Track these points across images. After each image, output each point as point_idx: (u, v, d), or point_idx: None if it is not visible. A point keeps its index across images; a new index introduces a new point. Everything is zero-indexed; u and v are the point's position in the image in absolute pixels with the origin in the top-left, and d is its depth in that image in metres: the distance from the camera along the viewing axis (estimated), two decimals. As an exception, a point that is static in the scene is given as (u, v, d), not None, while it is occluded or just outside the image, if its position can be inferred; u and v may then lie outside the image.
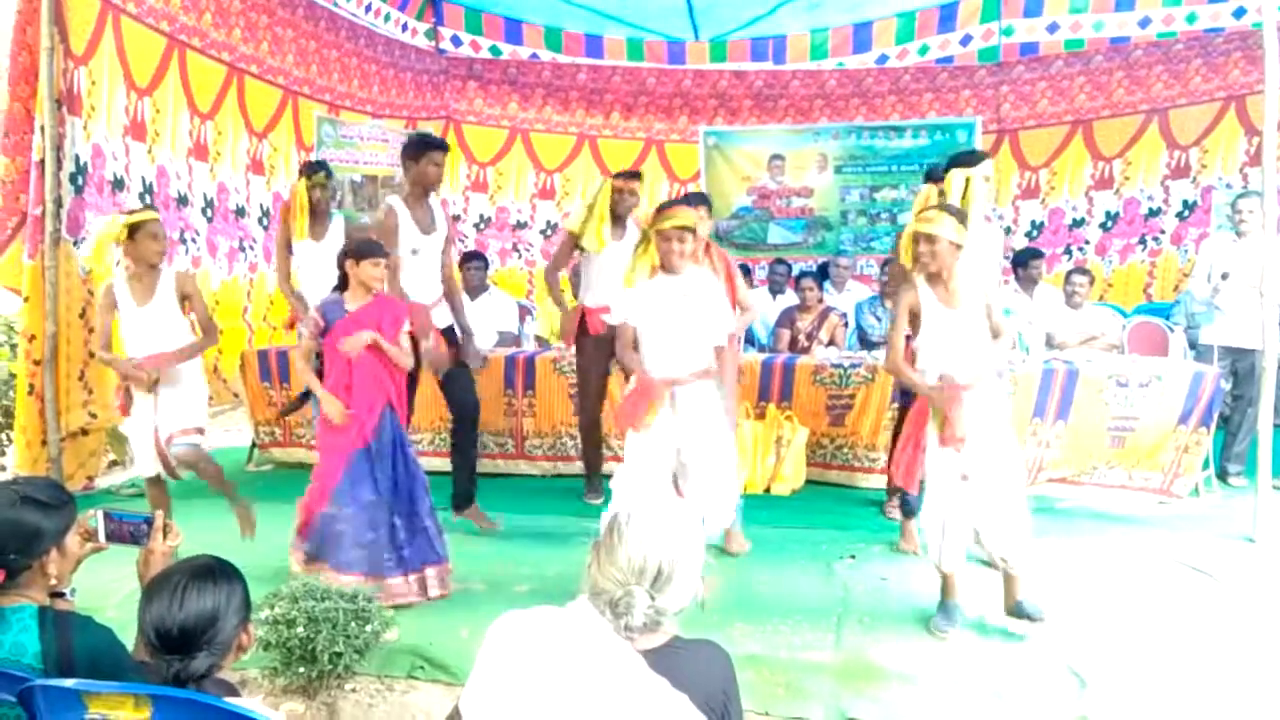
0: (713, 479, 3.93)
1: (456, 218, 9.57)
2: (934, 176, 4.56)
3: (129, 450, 4.57)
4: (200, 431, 4.44)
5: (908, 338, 3.80)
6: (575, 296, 5.62)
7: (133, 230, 4.19)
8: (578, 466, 6.03)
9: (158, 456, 4.34)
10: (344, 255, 4.06)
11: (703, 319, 3.90)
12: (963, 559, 3.77)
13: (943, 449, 3.63)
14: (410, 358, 4.15)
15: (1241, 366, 5.78)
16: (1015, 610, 3.77)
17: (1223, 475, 5.82)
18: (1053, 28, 8.64)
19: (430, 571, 4.10)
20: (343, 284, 4.07)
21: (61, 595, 2.26)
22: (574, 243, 5.32)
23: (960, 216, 3.60)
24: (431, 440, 6.17)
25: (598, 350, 5.27)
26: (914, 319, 3.72)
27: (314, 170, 5.48)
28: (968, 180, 4.00)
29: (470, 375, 5.07)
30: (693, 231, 3.86)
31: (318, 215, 5.43)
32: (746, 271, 8.51)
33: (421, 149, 4.75)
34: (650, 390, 3.85)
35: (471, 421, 5.09)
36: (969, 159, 4.20)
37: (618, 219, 5.24)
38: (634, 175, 5.39)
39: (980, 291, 3.65)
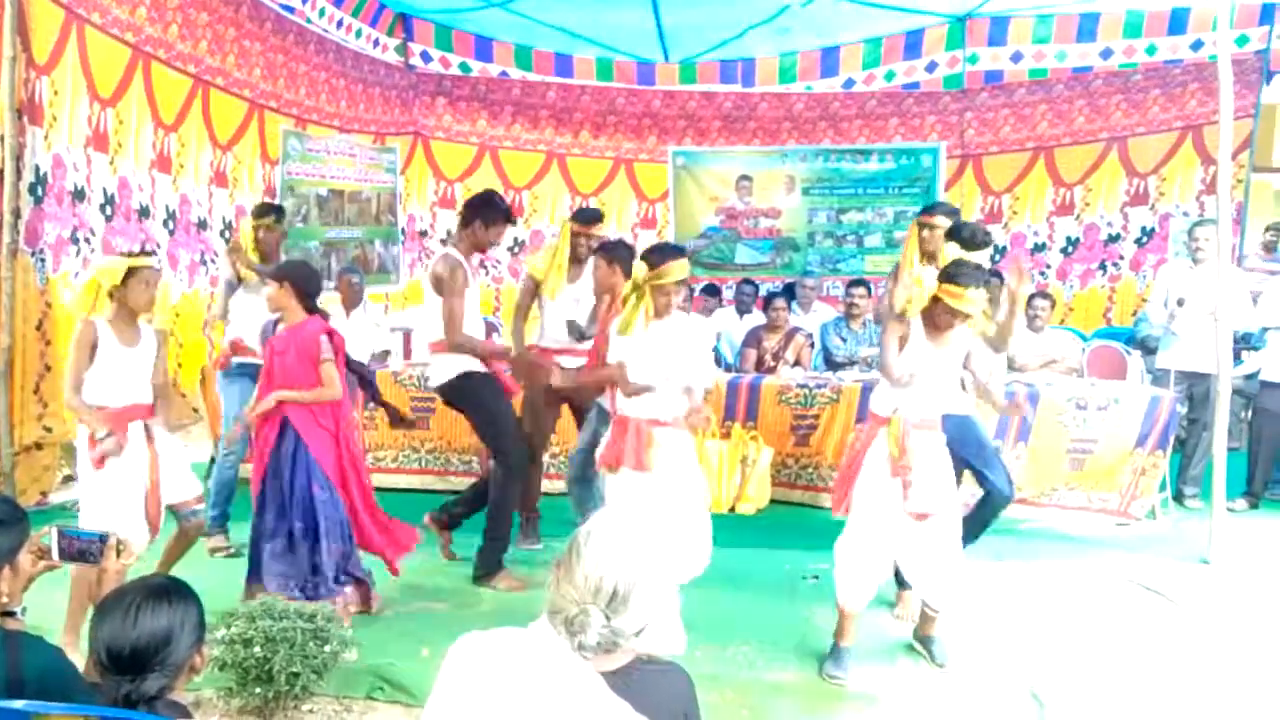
0: (685, 529, 3.83)
1: (424, 233, 9.55)
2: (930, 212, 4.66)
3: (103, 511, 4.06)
4: (200, 501, 4.16)
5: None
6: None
7: (127, 275, 3.82)
8: (545, 485, 6.00)
9: (150, 521, 3.87)
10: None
11: (676, 365, 3.79)
12: (866, 602, 3.73)
13: (890, 480, 3.62)
14: (335, 388, 4.05)
15: (1197, 391, 5.88)
16: (924, 642, 3.78)
17: (1179, 497, 5.91)
18: (1016, 57, 8.80)
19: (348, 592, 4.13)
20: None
21: (12, 614, 2.21)
22: (535, 286, 5.17)
23: (987, 285, 3.56)
24: (395, 458, 6.13)
25: (549, 392, 5.02)
26: (902, 345, 3.71)
27: (261, 212, 5.35)
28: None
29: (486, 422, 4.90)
30: (686, 282, 3.87)
31: (265, 258, 5.29)
32: (715, 291, 8.58)
33: (505, 218, 4.77)
34: (641, 431, 3.76)
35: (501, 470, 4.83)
36: (975, 243, 4.19)
37: (576, 260, 5.08)
38: (594, 219, 5.23)
39: (967, 343, 3.69)
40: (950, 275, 3.55)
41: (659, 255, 3.80)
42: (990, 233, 4.64)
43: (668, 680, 1.79)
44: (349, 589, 4.13)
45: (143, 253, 4.29)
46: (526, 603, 4.20)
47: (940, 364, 3.65)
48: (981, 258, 4.07)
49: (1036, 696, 3.41)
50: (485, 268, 9.81)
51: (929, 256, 4.45)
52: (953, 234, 4.28)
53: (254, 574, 4.09)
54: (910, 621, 3.99)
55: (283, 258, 5.36)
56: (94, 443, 3.73)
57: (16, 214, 5.04)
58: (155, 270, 4.02)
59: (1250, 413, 6.57)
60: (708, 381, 3.91)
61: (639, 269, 3.76)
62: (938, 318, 3.60)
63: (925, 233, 4.49)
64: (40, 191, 5.20)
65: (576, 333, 5.03)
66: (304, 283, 4.12)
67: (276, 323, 4.19)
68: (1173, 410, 5.47)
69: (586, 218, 5.25)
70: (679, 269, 3.76)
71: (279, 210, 5.50)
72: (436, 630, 3.82)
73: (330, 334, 4.11)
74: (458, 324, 4.58)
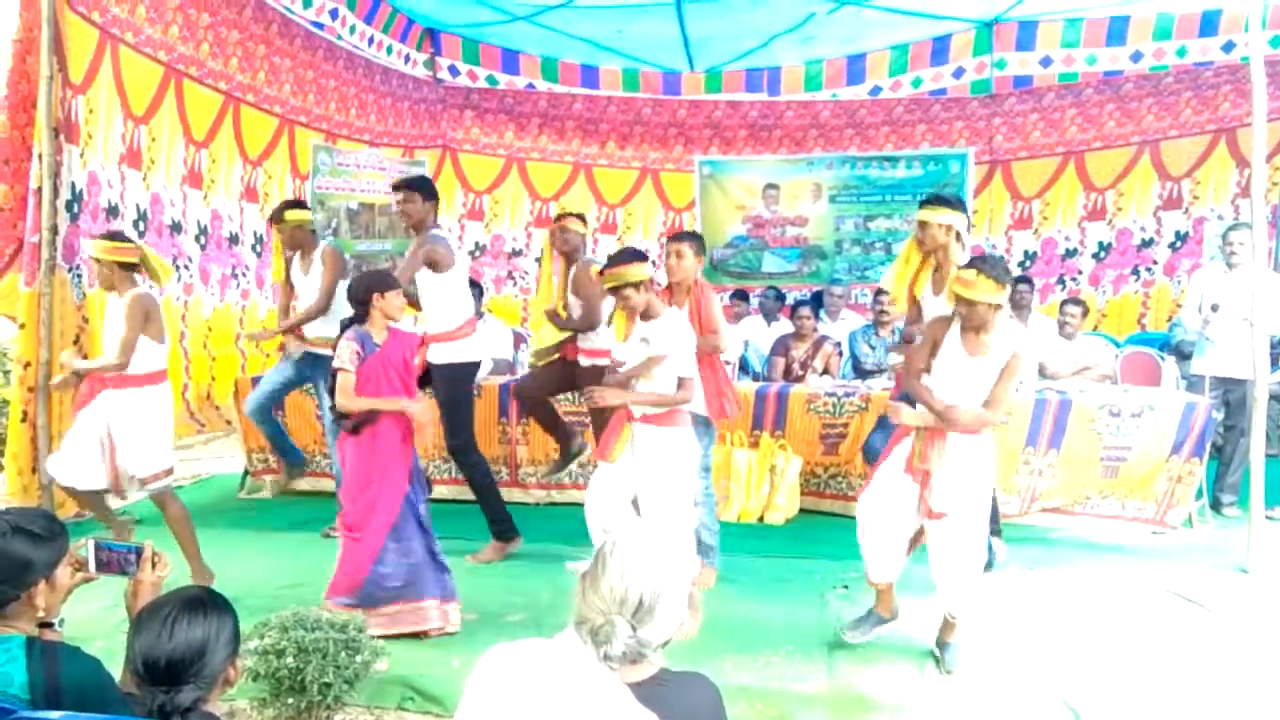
0: (661, 523, 3.92)
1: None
2: None
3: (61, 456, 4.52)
4: (169, 473, 4.41)
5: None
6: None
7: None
8: (572, 494, 6.02)
9: (111, 481, 4.33)
10: (368, 288, 4.04)
11: (660, 363, 3.97)
12: (894, 572, 3.80)
13: (903, 474, 3.66)
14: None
15: (1233, 397, 5.79)
16: (939, 646, 3.76)
17: (1216, 506, 5.82)
18: (1045, 61, 8.72)
19: (451, 605, 4.10)
20: (360, 317, 4.07)
21: (50, 625, 2.24)
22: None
23: (999, 273, 3.49)
24: (425, 468, 6.14)
25: (562, 367, 5.37)
26: (934, 348, 3.73)
27: (286, 208, 5.56)
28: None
29: (445, 416, 5.10)
30: (635, 285, 3.94)
31: (304, 250, 5.49)
32: (744, 296, 8.58)
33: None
34: (618, 423, 3.98)
35: (452, 454, 5.17)
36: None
37: (567, 259, 5.29)
38: (568, 214, 5.39)
39: (1006, 357, 3.57)
40: (966, 264, 3.60)
41: (611, 261, 4.04)
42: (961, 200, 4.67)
43: (695, 691, 1.79)
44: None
45: (106, 235, 4.47)
46: (557, 612, 4.21)
47: (970, 372, 3.61)
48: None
49: (1071, 707, 3.36)
50: (514, 278, 9.87)
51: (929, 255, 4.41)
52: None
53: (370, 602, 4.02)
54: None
55: (317, 250, 5.50)
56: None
57: (54, 230, 5.14)
58: (97, 256, 4.28)
59: (1288, 418, 6.48)
60: (684, 371, 4.01)
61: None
62: (964, 317, 3.58)
63: (919, 232, 4.39)
64: (76, 208, 5.29)
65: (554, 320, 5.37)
66: None
67: (350, 323, 4.12)
68: (1208, 416, 5.39)
69: (562, 214, 5.47)
70: (631, 272, 3.91)
71: (288, 204, 5.65)
72: (467, 640, 3.84)
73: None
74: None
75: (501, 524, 5.10)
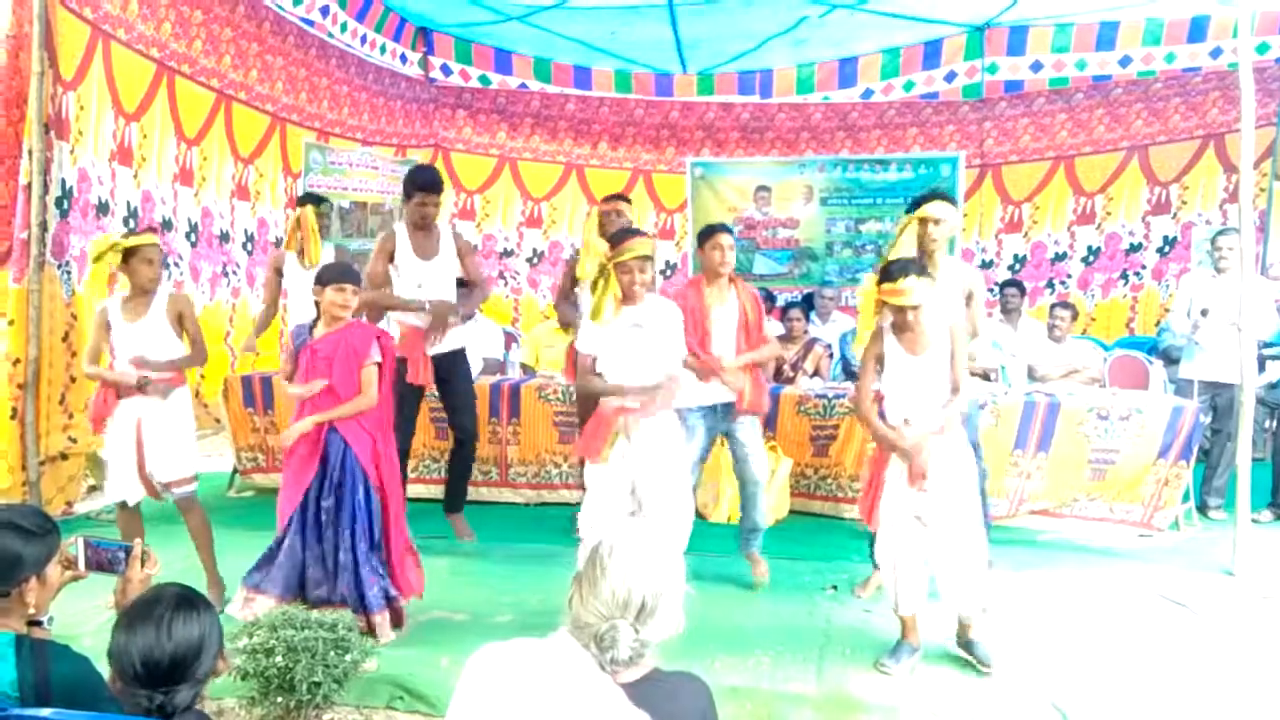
0: (665, 514, 3.86)
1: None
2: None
3: (105, 475, 4.40)
4: (194, 480, 4.30)
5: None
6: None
7: (127, 254, 4.05)
8: (562, 495, 6.02)
9: (143, 485, 4.19)
10: (315, 281, 4.00)
11: (656, 349, 3.91)
12: (920, 602, 3.74)
13: (908, 489, 3.64)
14: (371, 393, 3.90)
15: (1220, 401, 5.83)
16: (966, 646, 3.74)
17: (1202, 509, 5.85)
18: (1036, 66, 8.78)
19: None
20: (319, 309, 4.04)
21: (39, 623, 2.24)
22: (572, 273, 5.35)
23: (919, 267, 3.58)
24: (415, 467, 6.15)
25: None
26: (879, 363, 3.77)
27: (319, 200, 5.70)
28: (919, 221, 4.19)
29: (472, 400, 5.21)
30: (650, 259, 3.92)
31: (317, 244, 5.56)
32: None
33: (409, 190, 4.94)
34: (605, 421, 3.84)
35: (467, 445, 5.23)
36: (921, 200, 4.33)
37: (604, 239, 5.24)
38: (620, 197, 5.44)
39: (946, 339, 3.66)
40: (884, 275, 3.60)
41: (620, 235, 4.00)
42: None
43: (687, 691, 1.80)
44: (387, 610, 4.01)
45: (148, 230, 4.46)
46: (547, 613, 4.20)
47: (921, 370, 3.66)
48: (931, 210, 4.21)
49: (1059, 708, 3.38)
50: (505, 278, 9.87)
51: (928, 256, 4.25)
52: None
53: (286, 585, 3.95)
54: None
55: (324, 243, 5.64)
56: (89, 406, 4.29)
57: (44, 227, 5.12)
58: (155, 246, 4.16)
59: (1274, 423, 6.51)
60: (680, 360, 4.02)
61: (604, 252, 3.94)
62: (898, 321, 3.63)
63: (931, 228, 4.24)
64: (66, 205, 5.27)
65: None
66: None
67: (313, 325, 4.03)
68: (1196, 420, 5.42)
69: (614, 195, 5.49)
70: (639, 245, 3.88)
71: (325, 199, 5.86)
72: (456, 640, 3.83)
73: (380, 337, 4.02)
74: (372, 280, 4.87)
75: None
